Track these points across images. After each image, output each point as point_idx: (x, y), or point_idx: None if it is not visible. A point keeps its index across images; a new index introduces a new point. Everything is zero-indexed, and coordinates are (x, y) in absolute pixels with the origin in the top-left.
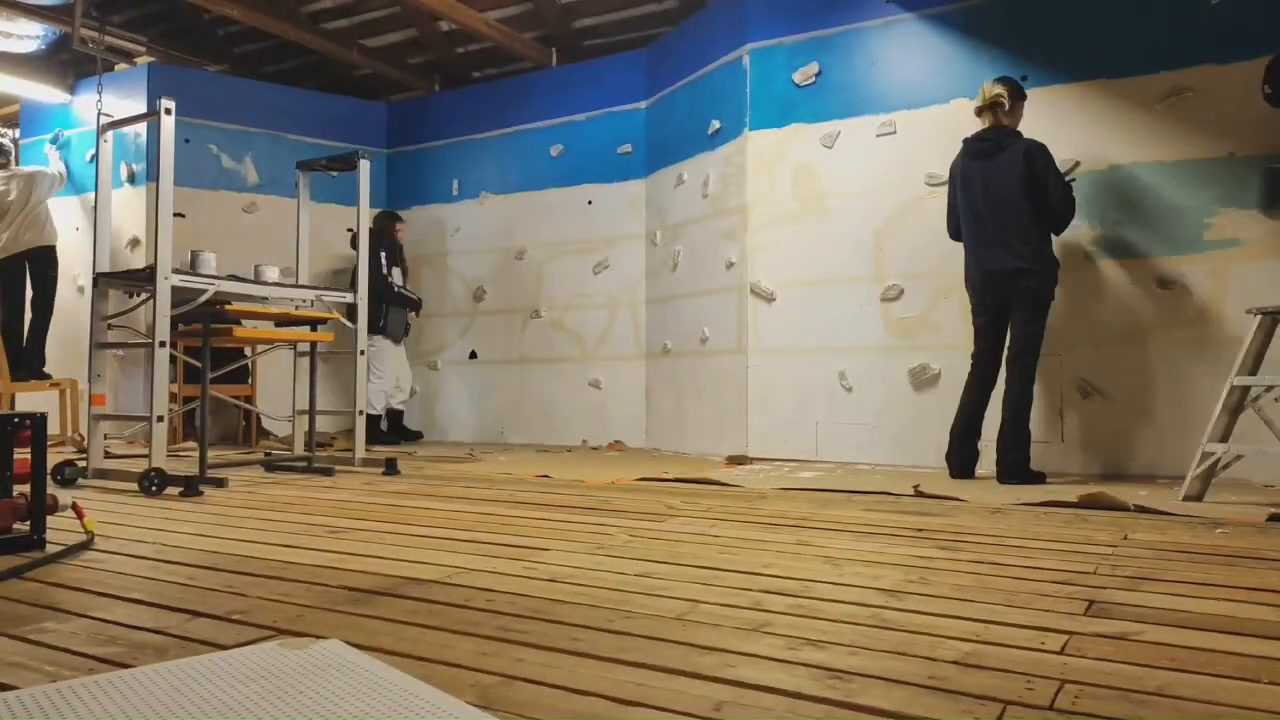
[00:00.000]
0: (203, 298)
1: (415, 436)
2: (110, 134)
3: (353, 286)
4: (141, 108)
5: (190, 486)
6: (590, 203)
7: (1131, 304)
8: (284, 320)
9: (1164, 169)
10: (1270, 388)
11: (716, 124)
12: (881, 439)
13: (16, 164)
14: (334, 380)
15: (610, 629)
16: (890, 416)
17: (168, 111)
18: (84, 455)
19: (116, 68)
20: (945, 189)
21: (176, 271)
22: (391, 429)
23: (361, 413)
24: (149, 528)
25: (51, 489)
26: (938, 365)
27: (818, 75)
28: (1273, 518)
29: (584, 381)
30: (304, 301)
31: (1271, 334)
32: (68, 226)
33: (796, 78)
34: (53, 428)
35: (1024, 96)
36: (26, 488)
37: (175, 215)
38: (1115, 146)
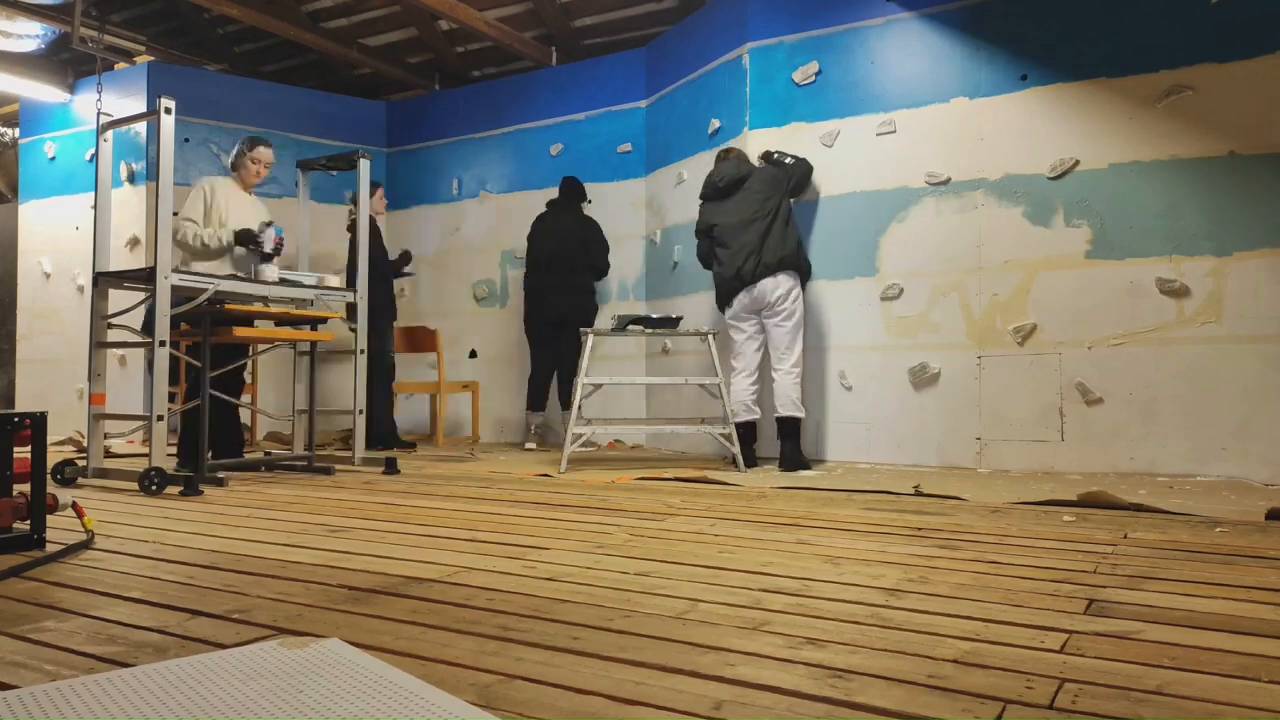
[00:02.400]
0: (202, 297)
1: None
2: (110, 133)
3: (351, 286)
4: (141, 107)
5: (190, 486)
6: (590, 202)
7: (1130, 303)
8: (284, 320)
9: (1163, 168)
10: (599, 385)
11: (716, 123)
12: (881, 438)
13: None
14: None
15: (610, 628)
16: (890, 416)
17: (168, 111)
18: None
19: (116, 67)
20: (946, 188)
21: (176, 271)
22: None
23: (361, 412)
24: (149, 527)
25: (51, 488)
26: (937, 364)
27: (817, 74)
28: (1271, 515)
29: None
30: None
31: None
32: (67, 225)
33: (796, 77)
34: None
35: None
36: (26, 487)
37: (175, 214)
38: (1115, 145)
